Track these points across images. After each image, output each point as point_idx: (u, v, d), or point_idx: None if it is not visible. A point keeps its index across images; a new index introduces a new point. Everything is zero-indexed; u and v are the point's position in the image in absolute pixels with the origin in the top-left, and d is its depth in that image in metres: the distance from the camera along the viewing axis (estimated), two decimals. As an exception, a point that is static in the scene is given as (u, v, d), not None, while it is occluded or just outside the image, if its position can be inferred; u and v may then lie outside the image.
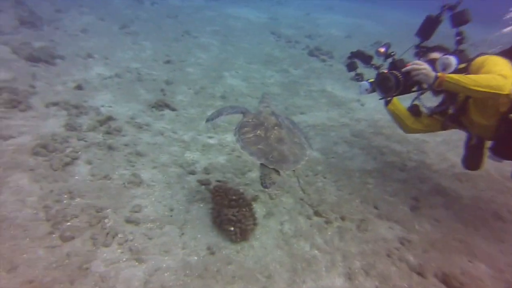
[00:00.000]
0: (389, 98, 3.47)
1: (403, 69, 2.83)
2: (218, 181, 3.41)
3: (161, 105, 4.63)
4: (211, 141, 4.09)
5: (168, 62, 6.34)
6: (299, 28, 11.44)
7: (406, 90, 3.02)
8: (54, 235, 2.44)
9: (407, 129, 3.68)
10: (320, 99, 5.80)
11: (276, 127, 2.53)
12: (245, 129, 2.54)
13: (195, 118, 4.55)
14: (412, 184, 3.78)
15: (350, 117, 5.24)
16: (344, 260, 2.73)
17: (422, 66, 2.71)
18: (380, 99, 3.45)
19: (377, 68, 3.21)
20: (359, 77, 3.51)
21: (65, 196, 2.82)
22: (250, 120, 2.63)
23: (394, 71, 2.90)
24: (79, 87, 4.77)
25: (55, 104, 4.23)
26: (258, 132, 2.49)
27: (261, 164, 2.37)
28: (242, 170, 3.64)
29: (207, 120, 2.85)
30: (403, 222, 3.20)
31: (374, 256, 2.79)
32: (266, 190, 2.45)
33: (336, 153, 4.24)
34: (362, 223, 3.13)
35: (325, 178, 3.73)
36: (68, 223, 2.56)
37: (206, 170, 3.54)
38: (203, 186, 3.31)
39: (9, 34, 6.41)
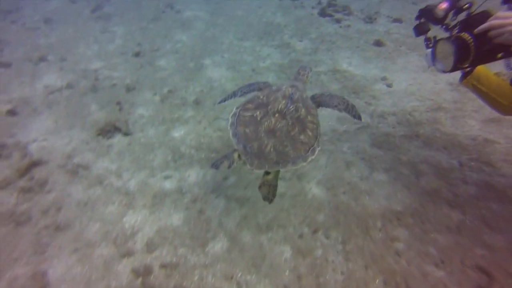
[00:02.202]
0: (467, 70, 2.46)
1: (476, 30, 1.95)
2: (164, 266, 2.31)
3: (110, 130, 3.50)
4: (167, 185, 2.94)
5: (137, 54, 5.07)
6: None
7: (484, 59, 2.07)
8: None
9: (506, 110, 2.50)
10: (330, 84, 4.29)
11: (277, 114, 2.14)
12: (249, 105, 2.26)
13: (154, 145, 3.37)
14: (473, 237, 2.41)
15: (372, 111, 3.75)
16: None
17: (508, 20, 1.81)
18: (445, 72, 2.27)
19: (451, 28, 2.28)
20: (429, 43, 2.47)
21: None
22: (261, 96, 2.30)
23: (463, 34, 2.04)
24: (11, 112, 3.77)
25: (-28, 146, 3.28)
26: (257, 113, 2.17)
27: (235, 150, 2.11)
28: (203, 239, 2.49)
29: (219, 103, 2.69)
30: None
31: None
32: (212, 168, 2.13)
33: (349, 184, 2.90)
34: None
35: (327, 238, 2.47)
36: None
37: (150, 246, 2.45)
38: (139, 279, 2.24)
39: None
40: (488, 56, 2.05)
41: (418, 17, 2.54)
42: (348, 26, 5.91)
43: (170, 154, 3.26)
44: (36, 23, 6.17)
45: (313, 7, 6.75)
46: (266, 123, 2.11)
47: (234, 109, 2.29)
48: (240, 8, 6.87)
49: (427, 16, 2.46)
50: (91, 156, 3.23)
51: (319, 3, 6.83)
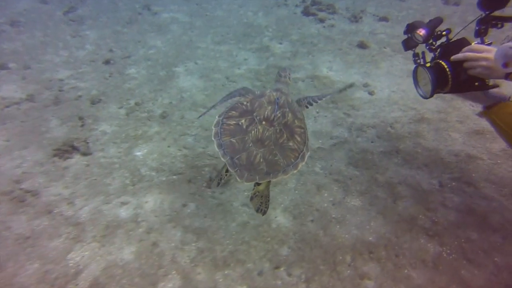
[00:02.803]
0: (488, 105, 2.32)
1: (452, 58, 1.98)
2: (106, 313, 2.08)
3: (67, 150, 3.24)
4: (123, 213, 2.70)
5: (107, 62, 4.79)
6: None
7: (462, 87, 2.06)
8: None
9: None
10: (308, 93, 4.03)
11: (264, 122, 2.08)
12: (233, 112, 2.17)
13: (114, 166, 3.13)
14: (450, 272, 2.18)
15: (351, 124, 3.49)
16: None
17: (480, 55, 1.84)
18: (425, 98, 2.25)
19: (434, 50, 2.21)
20: (417, 58, 2.35)
21: None
22: (244, 103, 2.22)
23: (440, 62, 2.04)
24: (-41, 132, 3.50)
25: None
26: (242, 121, 2.09)
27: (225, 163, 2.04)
28: (154, 277, 2.26)
29: (199, 117, 2.62)
30: None
31: None
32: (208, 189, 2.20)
33: (318, 210, 2.66)
34: None
35: (290, 276, 2.24)
36: None
37: (94, 287, 2.21)
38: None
39: None
40: (465, 85, 2.01)
41: (406, 32, 2.37)
42: (332, 26, 5.62)
43: (129, 177, 3.01)
44: (1, 25, 5.84)
45: (296, 5, 6.45)
46: (253, 132, 2.02)
47: (217, 118, 2.16)
48: (221, 8, 6.56)
49: (413, 33, 2.30)
50: (43, 181, 2.98)
51: (303, 1, 6.52)
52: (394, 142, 3.23)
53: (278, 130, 2.06)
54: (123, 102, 3.97)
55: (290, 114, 2.15)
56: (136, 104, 3.92)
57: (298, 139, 2.11)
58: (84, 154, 3.26)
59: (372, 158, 3.07)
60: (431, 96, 2.15)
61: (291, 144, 2.06)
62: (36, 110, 3.88)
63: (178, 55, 4.95)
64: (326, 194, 2.78)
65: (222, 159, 2.01)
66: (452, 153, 3.05)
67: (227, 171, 2.11)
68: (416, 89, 2.32)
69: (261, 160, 1.96)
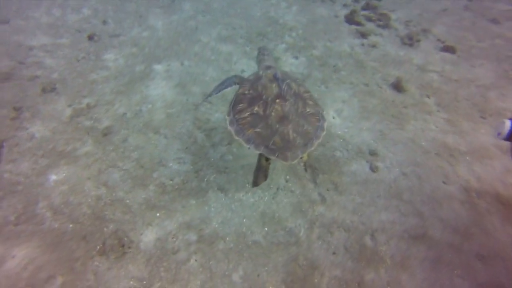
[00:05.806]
0: None
1: None
2: None
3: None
4: (-19, 266, 2.19)
5: (91, 37, 4.17)
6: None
7: None
8: None
9: None
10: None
11: (278, 100, 2.07)
12: (240, 105, 2.14)
13: (16, 188, 2.62)
14: None
15: (318, 216, 2.57)
16: None
17: None
18: None
19: None
20: None
21: None
22: (246, 92, 2.19)
23: None
24: None
25: None
26: (256, 109, 2.07)
27: (260, 154, 2.05)
28: None
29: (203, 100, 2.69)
30: None
31: None
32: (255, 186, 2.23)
33: None
34: None
35: None
36: None
37: None
38: None
39: None
40: None
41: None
42: (373, 46, 4.35)
43: (18, 211, 2.48)
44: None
45: (344, 5, 5.15)
46: (273, 113, 2.02)
47: (227, 117, 2.16)
48: (255, -11, 5.47)
49: None
50: None
51: (357, 0, 5.18)
52: (363, 266, 2.28)
53: (293, 102, 2.08)
54: (76, 99, 3.37)
55: (293, 84, 2.17)
56: (88, 106, 3.29)
57: (311, 102, 2.14)
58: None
59: (318, 285, 2.18)
60: None
61: (308, 110, 2.10)
62: (-17, 87, 3.43)
63: (170, 46, 4.15)
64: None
65: (256, 151, 1.99)
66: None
67: (267, 159, 2.11)
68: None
69: (295, 134, 1.98)
